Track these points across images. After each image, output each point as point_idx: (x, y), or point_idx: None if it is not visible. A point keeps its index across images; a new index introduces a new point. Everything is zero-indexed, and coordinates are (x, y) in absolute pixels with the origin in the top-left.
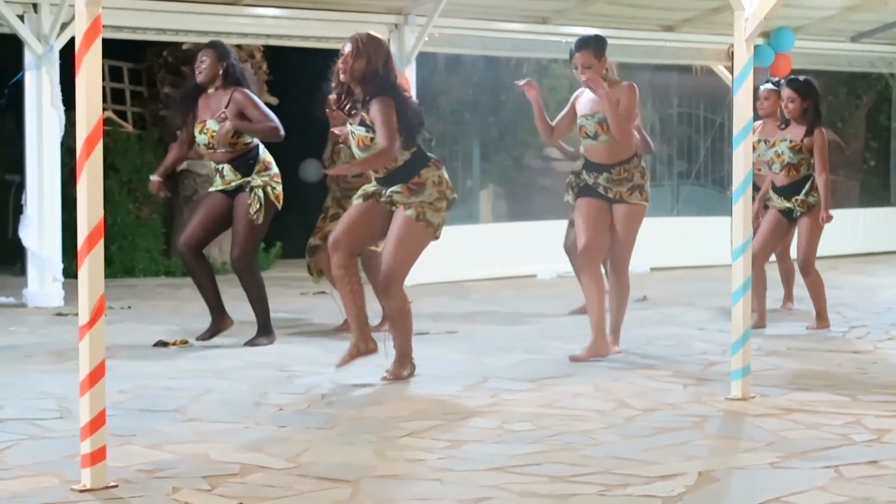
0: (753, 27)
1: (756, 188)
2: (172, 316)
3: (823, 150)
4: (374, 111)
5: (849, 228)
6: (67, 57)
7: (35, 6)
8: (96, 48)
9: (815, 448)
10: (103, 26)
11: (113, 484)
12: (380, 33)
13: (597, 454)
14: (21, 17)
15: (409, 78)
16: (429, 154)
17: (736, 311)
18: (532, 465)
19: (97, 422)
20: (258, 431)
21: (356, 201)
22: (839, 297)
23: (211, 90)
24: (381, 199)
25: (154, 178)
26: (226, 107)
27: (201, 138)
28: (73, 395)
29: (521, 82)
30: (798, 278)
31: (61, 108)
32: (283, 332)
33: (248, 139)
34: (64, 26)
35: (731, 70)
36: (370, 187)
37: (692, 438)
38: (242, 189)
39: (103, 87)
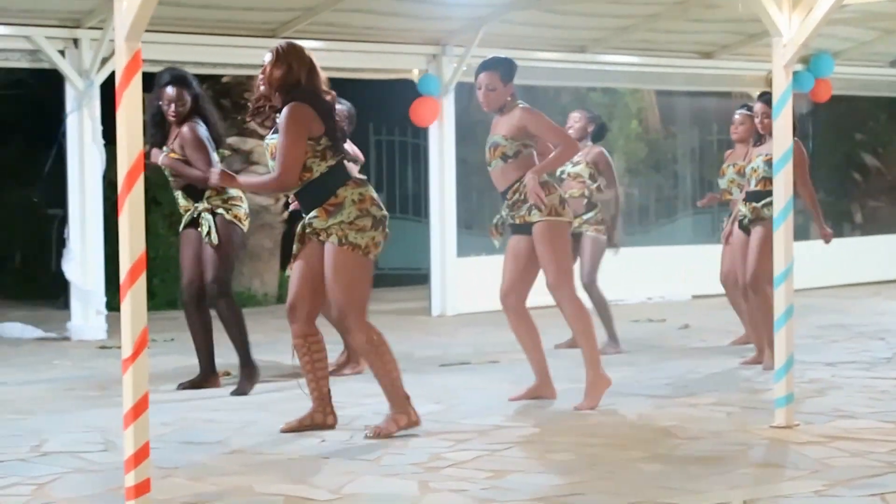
0: (792, 53)
1: (729, 214)
2: (215, 348)
3: (802, 162)
4: (281, 118)
5: (893, 253)
6: (108, 91)
7: (76, 42)
8: (136, 82)
9: (860, 476)
10: (143, 60)
11: None
12: (416, 64)
13: (641, 483)
14: (62, 53)
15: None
16: (353, 174)
17: (779, 339)
18: (576, 495)
19: (141, 454)
20: (302, 463)
21: (295, 261)
22: (883, 324)
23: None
24: (307, 233)
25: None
26: (174, 139)
27: None
28: (117, 428)
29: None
30: None
31: (101, 143)
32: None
33: None
34: (104, 61)
35: None
36: (300, 226)
37: (736, 467)
38: (195, 217)
39: (144, 121)
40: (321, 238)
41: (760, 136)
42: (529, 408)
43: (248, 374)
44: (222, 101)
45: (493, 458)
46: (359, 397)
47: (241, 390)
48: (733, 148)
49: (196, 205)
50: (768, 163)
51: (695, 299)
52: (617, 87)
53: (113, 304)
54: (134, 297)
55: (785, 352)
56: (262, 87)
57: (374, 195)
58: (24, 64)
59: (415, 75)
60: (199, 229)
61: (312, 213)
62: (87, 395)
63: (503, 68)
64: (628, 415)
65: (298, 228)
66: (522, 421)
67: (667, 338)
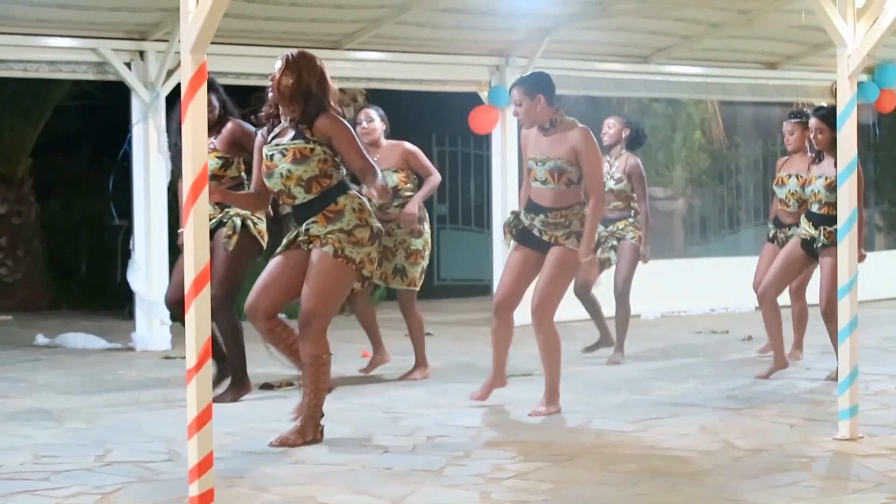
0: (857, 64)
1: (781, 224)
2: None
3: (859, 184)
4: (332, 128)
5: None
6: (173, 103)
7: (142, 54)
8: (202, 94)
9: None
10: (208, 72)
11: None
12: (480, 75)
13: (704, 496)
14: (128, 65)
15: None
16: (351, 185)
17: (843, 350)
18: None
19: (205, 464)
20: (364, 473)
21: (275, 257)
22: None
23: None
24: (300, 240)
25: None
26: (215, 137)
27: None
28: (182, 438)
29: None
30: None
31: (167, 154)
32: (388, 374)
33: (236, 172)
34: (170, 73)
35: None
36: (292, 233)
37: (800, 479)
38: (222, 223)
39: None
40: (313, 245)
41: (819, 153)
42: (591, 419)
43: (235, 388)
44: None
45: (554, 470)
46: (422, 408)
47: (222, 398)
48: (787, 156)
49: (227, 209)
50: (828, 187)
51: (758, 311)
52: (680, 97)
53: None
54: (198, 308)
55: (849, 363)
56: (270, 94)
57: (370, 208)
58: (90, 76)
59: (479, 86)
60: (224, 231)
61: (311, 219)
62: (151, 405)
63: (527, 84)
64: (691, 427)
65: (291, 235)
66: (584, 432)
67: (730, 349)
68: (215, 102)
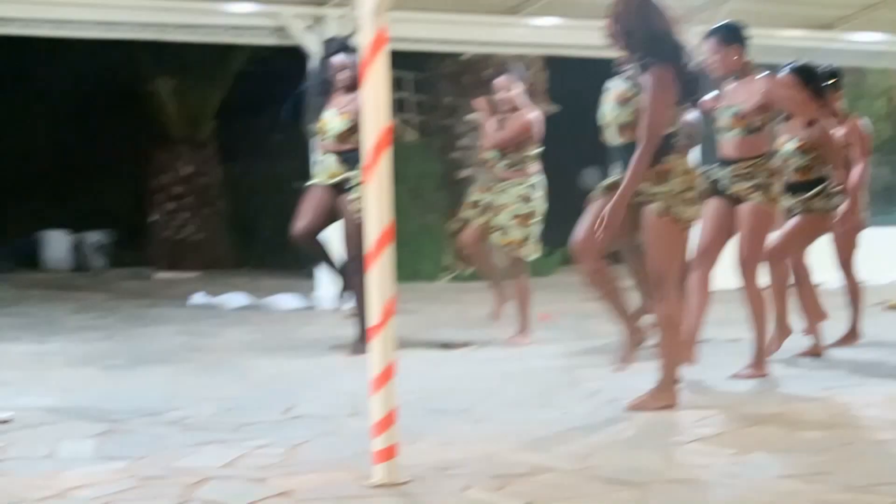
0: None
1: None
2: (457, 319)
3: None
4: (648, 83)
5: None
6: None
7: (321, 19)
8: (382, 59)
9: None
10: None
11: (405, 480)
12: None
13: (891, 465)
14: (307, 31)
15: None
16: (676, 144)
17: None
18: (824, 474)
19: (387, 420)
20: (546, 433)
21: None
22: None
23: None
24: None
25: None
26: (347, 104)
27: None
28: (365, 394)
29: None
30: None
31: None
32: (568, 337)
33: None
34: None
35: None
36: (610, 179)
37: None
38: (344, 186)
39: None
40: (640, 200)
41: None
42: (775, 385)
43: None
44: (462, 78)
45: (738, 435)
46: (603, 370)
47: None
48: None
49: (350, 173)
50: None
51: None
52: (864, 65)
53: None
54: (381, 266)
55: None
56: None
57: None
58: (270, 41)
59: None
60: (350, 196)
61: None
62: (335, 362)
63: (720, 33)
64: (876, 395)
65: (608, 181)
66: (768, 398)
67: None
68: (357, 64)
